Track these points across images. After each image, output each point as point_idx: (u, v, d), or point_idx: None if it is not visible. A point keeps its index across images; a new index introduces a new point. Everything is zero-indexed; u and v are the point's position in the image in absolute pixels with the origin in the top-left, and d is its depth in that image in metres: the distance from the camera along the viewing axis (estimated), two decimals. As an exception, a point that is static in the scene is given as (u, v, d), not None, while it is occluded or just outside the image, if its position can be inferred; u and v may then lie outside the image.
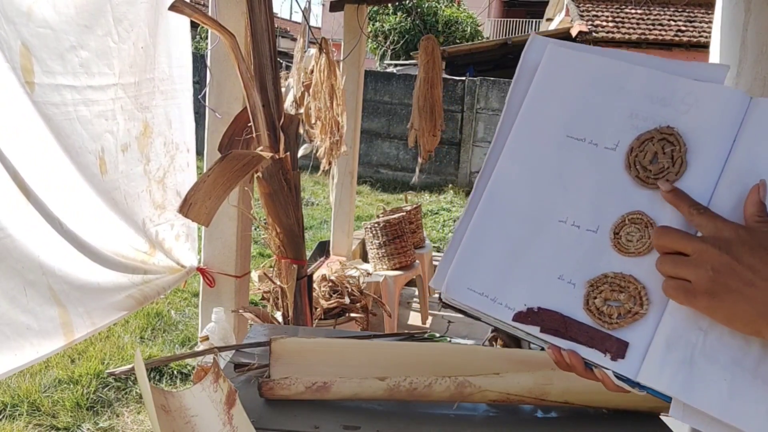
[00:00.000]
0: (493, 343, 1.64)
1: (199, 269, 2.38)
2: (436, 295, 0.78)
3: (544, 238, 0.68)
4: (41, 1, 1.52)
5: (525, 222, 0.69)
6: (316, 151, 3.25)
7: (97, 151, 1.80)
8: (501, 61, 12.28)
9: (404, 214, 4.30)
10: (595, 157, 0.68)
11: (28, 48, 1.49)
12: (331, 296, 3.02)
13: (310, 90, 3.16)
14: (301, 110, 3.18)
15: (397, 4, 13.98)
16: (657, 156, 0.65)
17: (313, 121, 3.16)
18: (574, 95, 0.70)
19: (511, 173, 0.70)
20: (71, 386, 3.13)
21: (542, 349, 0.68)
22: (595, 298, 0.64)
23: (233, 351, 1.35)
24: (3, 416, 2.88)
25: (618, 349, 0.63)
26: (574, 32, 11.35)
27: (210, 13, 2.21)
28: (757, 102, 0.64)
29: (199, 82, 2.42)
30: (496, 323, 0.68)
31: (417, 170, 4.71)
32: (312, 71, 3.18)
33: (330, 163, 3.31)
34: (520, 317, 0.66)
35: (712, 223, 0.59)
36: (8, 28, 1.42)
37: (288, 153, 2.08)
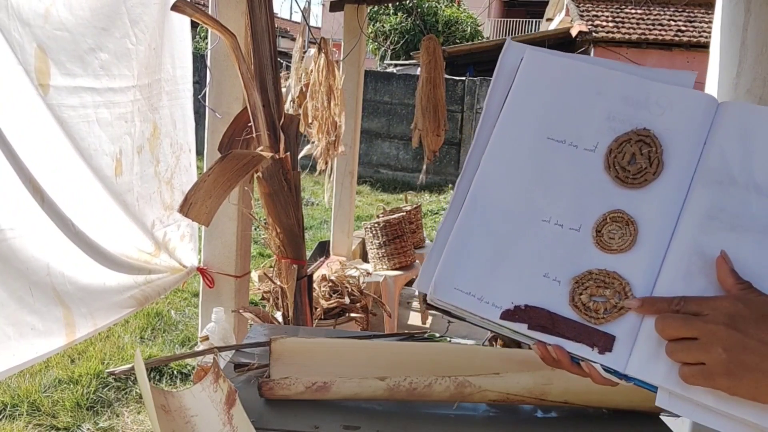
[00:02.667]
0: (493, 343, 1.64)
1: (198, 269, 2.38)
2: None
3: (528, 238, 0.69)
4: (58, 4, 1.52)
5: (509, 222, 0.70)
6: (315, 150, 3.25)
7: (114, 153, 1.80)
8: (501, 61, 12.25)
9: (404, 214, 4.30)
10: (575, 158, 0.70)
11: (45, 50, 1.48)
12: (331, 296, 3.02)
13: (308, 90, 3.16)
14: (300, 110, 3.18)
15: (397, 4, 13.97)
16: (635, 157, 0.68)
17: (310, 121, 3.16)
18: (553, 98, 0.73)
19: (494, 175, 0.72)
20: (71, 386, 3.13)
21: (529, 347, 0.69)
22: (581, 294, 0.66)
23: (233, 351, 1.35)
24: (3, 416, 2.88)
25: (605, 343, 0.64)
26: (574, 32, 11.35)
27: (210, 13, 2.21)
28: (725, 105, 0.68)
29: (199, 82, 2.42)
30: (482, 323, 0.69)
31: (423, 170, 4.71)
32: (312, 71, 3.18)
33: (327, 163, 3.30)
34: (507, 315, 0.67)
35: (706, 304, 0.59)
36: (23, 30, 1.41)
37: (288, 153, 2.08)
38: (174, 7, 1.80)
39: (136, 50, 1.84)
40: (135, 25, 1.83)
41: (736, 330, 0.56)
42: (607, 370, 0.64)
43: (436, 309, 0.71)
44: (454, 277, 0.70)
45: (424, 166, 4.54)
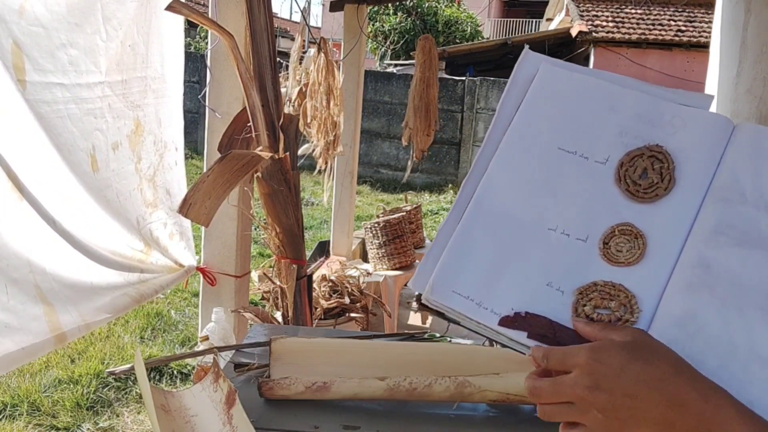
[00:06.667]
0: (493, 343, 1.64)
1: (199, 269, 2.38)
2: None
3: (533, 245, 0.68)
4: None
5: (514, 228, 0.69)
6: (313, 150, 3.25)
7: (88, 148, 1.80)
8: (501, 61, 12.28)
9: (404, 214, 4.30)
10: (585, 169, 0.70)
11: (20, 46, 1.48)
12: (331, 296, 3.02)
13: (307, 90, 3.16)
14: (299, 110, 3.18)
15: (397, 4, 13.97)
16: (647, 171, 0.68)
17: (308, 121, 3.16)
18: (566, 111, 0.72)
19: (502, 179, 0.71)
20: (71, 386, 3.13)
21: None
22: (585, 305, 0.65)
23: (233, 351, 1.36)
24: (3, 416, 2.88)
25: None
26: (574, 32, 11.35)
27: (210, 14, 2.21)
28: (740, 128, 0.69)
29: (199, 82, 2.42)
30: (478, 328, 0.67)
31: (408, 168, 4.73)
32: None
33: (327, 163, 3.30)
34: (506, 322, 0.66)
35: (567, 359, 0.60)
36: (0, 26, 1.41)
37: (287, 153, 2.08)
38: (169, 8, 1.79)
39: (105, 46, 1.83)
40: (107, 22, 1.82)
41: (601, 391, 0.57)
42: None
43: (430, 309, 0.69)
44: (453, 279, 0.68)
45: (409, 164, 4.55)
